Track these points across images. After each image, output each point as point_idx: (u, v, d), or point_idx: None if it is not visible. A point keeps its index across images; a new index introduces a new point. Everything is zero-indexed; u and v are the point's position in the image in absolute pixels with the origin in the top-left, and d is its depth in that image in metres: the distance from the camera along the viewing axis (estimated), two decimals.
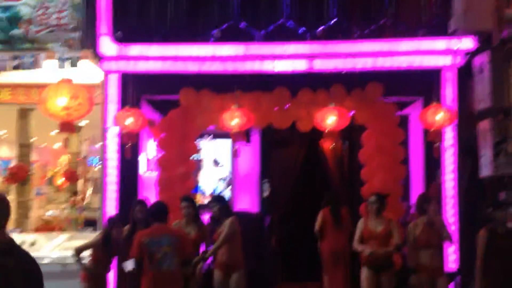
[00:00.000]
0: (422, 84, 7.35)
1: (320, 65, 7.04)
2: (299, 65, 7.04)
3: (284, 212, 9.55)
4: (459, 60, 6.96)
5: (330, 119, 6.86)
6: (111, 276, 6.29)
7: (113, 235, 5.92)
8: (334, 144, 8.29)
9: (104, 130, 7.27)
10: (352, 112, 7.30)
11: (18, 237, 7.57)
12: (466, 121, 7.08)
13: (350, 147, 9.57)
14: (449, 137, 7.05)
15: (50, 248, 7.49)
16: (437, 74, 7.11)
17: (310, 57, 7.02)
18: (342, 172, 9.80)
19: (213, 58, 7.05)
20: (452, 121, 6.78)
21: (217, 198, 6.13)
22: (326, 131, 6.97)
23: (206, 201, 8.81)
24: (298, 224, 9.47)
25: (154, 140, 8.48)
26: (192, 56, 7.03)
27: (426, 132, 7.01)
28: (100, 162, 7.31)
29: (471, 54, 6.98)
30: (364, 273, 5.82)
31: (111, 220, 6.14)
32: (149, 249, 4.80)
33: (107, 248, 5.85)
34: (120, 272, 5.94)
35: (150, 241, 4.84)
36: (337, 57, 7.01)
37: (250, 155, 9.36)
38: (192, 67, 7.07)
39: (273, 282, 8.10)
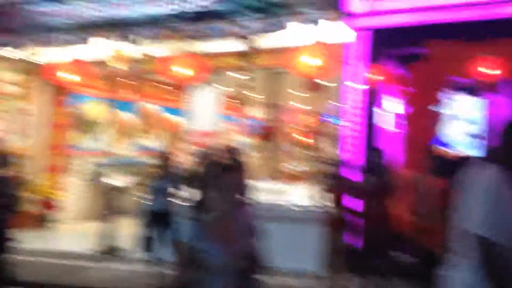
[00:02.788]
0: None
1: None
2: None
3: None
4: None
5: None
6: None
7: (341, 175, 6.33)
8: None
9: (347, 88, 7.46)
10: None
11: (269, 185, 8.42)
12: None
13: None
14: None
15: (296, 196, 8.16)
16: None
17: None
18: None
19: (462, 5, 6.66)
20: None
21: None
22: None
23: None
24: None
25: (398, 95, 8.40)
26: (441, 5, 6.75)
27: None
28: (342, 120, 7.55)
29: None
30: None
31: (339, 162, 6.59)
32: None
33: (338, 188, 6.22)
34: (368, 216, 6.17)
35: None
36: None
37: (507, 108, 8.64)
38: (441, 17, 6.79)
39: None
